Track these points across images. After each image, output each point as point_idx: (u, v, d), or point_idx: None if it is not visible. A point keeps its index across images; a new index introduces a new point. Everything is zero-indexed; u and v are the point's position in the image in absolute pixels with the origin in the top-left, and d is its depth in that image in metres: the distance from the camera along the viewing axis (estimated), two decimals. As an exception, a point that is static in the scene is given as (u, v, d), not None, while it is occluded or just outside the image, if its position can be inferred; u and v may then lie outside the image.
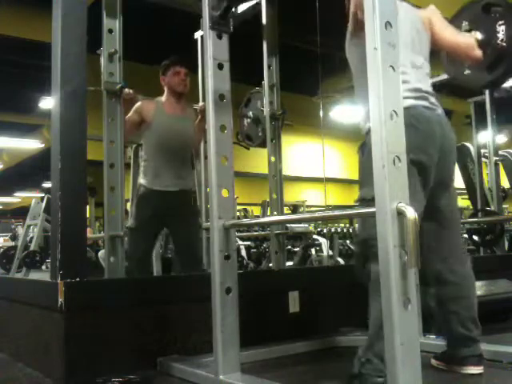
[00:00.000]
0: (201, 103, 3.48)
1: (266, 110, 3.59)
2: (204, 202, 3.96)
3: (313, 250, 6.00)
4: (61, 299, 2.04)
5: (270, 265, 4.57)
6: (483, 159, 5.36)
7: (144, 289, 2.36)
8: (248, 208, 10.96)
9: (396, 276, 1.35)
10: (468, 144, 5.56)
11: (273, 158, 3.78)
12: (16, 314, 2.65)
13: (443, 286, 2.04)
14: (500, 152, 5.28)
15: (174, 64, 3.23)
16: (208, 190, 2.05)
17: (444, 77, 5.29)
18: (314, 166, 10.20)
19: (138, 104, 3.21)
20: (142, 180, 3.25)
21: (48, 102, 7.29)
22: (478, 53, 2.10)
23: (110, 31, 2.88)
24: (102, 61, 2.87)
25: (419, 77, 2.00)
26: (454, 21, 2.57)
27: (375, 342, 1.67)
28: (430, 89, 2.03)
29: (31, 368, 2.31)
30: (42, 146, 11.29)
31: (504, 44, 2.40)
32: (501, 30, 2.41)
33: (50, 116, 2.34)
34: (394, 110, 1.41)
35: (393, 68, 1.43)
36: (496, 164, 5.04)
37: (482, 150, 5.32)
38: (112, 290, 2.29)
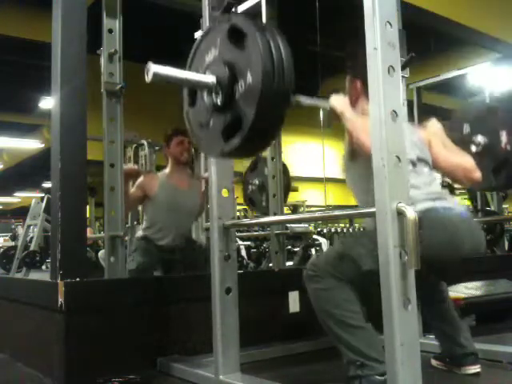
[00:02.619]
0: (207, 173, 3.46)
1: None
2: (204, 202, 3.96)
3: (313, 250, 5.99)
4: (61, 299, 2.04)
5: (270, 265, 4.57)
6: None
7: (144, 289, 2.36)
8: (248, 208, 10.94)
9: (396, 276, 1.35)
10: (468, 144, 5.54)
11: (273, 159, 3.78)
12: (16, 314, 2.65)
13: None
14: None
15: (176, 134, 3.18)
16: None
17: (444, 77, 5.32)
18: (314, 166, 10.20)
19: (141, 179, 3.16)
20: (143, 232, 3.19)
21: (48, 102, 7.29)
22: (477, 175, 2.00)
23: (110, 31, 2.88)
24: (102, 61, 2.87)
25: (429, 183, 1.92)
26: (455, 122, 2.54)
27: (356, 345, 1.69)
28: (442, 192, 1.96)
29: (31, 368, 2.31)
30: (42, 146, 11.28)
31: (508, 148, 2.35)
32: (503, 134, 2.37)
33: (50, 116, 2.35)
34: (393, 110, 1.41)
35: (393, 68, 1.43)
36: (496, 164, 5.03)
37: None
38: (112, 290, 2.29)
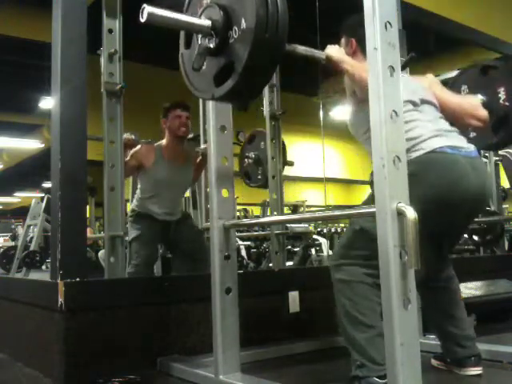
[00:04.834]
0: (203, 145, 3.45)
1: (266, 111, 3.59)
2: (204, 202, 3.96)
3: (313, 250, 5.99)
4: (61, 299, 2.04)
5: (270, 265, 4.57)
6: (483, 159, 5.35)
7: (144, 289, 2.36)
8: (248, 208, 10.94)
9: (396, 276, 1.35)
10: (468, 144, 5.54)
11: (273, 159, 3.79)
12: (16, 313, 2.65)
13: (430, 290, 2.03)
14: (500, 152, 5.28)
15: (175, 107, 3.17)
16: (208, 190, 2.05)
17: (444, 77, 5.32)
18: (314, 166, 10.19)
19: (137, 149, 3.17)
20: (136, 206, 3.23)
21: (48, 102, 7.29)
22: (484, 112, 1.99)
23: (110, 31, 2.88)
24: (102, 61, 2.87)
25: (435, 121, 1.89)
26: (453, 85, 2.55)
27: (363, 344, 1.68)
28: (451, 128, 1.91)
29: (31, 368, 2.31)
30: (42, 146, 11.28)
31: (506, 104, 2.35)
32: (501, 91, 2.38)
33: (50, 116, 2.35)
34: (393, 110, 1.41)
35: (393, 68, 1.43)
36: (496, 164, 5.03)
37: (482, 150, 5.31)
38: (112, 290, 2.29)
